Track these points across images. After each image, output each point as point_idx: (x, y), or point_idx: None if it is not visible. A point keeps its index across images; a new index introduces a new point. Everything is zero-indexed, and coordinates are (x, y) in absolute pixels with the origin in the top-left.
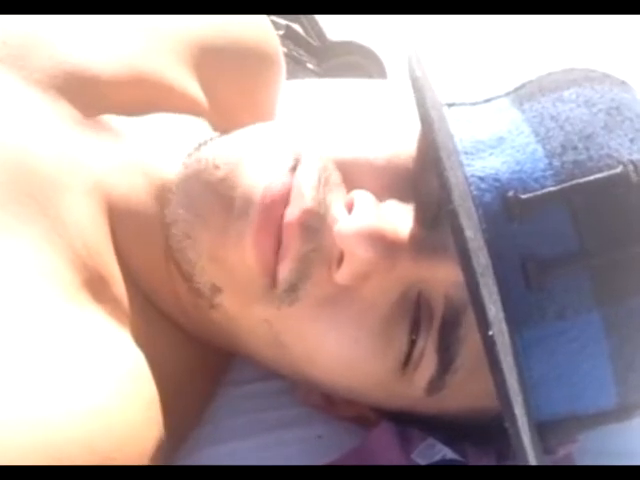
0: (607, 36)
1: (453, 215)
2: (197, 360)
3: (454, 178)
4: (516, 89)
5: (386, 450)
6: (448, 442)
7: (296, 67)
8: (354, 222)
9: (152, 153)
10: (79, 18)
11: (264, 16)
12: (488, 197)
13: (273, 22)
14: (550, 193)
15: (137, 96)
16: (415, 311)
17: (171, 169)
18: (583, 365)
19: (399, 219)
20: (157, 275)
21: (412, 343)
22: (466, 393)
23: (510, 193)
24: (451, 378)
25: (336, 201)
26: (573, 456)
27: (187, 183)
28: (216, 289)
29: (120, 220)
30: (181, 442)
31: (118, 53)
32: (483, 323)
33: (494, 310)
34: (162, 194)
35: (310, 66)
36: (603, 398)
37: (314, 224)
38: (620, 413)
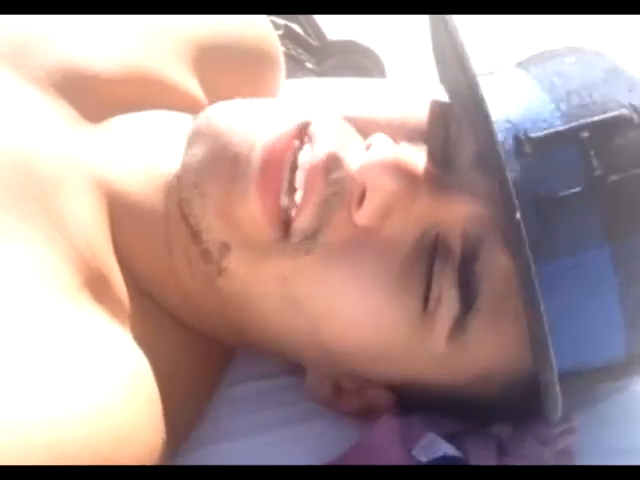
0: (607, 36)
1: (488, 130)
2: (198, 360)
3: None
4: (518, 63)
5: (386, 447)
6: (449, 438)
7: (295, 66)
8: (376, 154)
9: (153, 148)
10: (79, 17)
11: (263, 16)
12: (501, 137)
13: (272, 22)
14: (559, 132)
15: (137, 95)
16: (433, 251)
17: (172, 162)
18: (592, 304)
19: (417, 156)
20: (159, 269)
21: (430, 284)
22: (485, 345)
23: (521, 133)
24: (473, 320)
25: (354, 146)
26: (572, 449)
27: (195, 134)
28: (225, 247)
29: (122, 217)
30: (182, 442)
31: (118, 52)
32: (517, 231)
33: (525, 234)
34: (164, 187)
35: (309, 65)
36: (612, 346)
37: (335, 167)
38: (630, 366)
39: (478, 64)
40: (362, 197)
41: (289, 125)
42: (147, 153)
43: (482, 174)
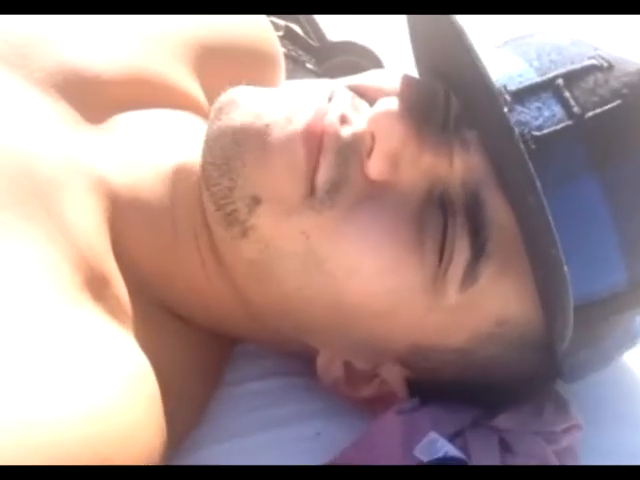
0: (607, 36)
1: (480, 71)
2: (198, 360)
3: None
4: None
5: (387, 446)
6: (451, 438)
7: (295, 67)
8: (382, 106)
9: (154, 146)
10: (80, 18)
11: (264, 17)
12: None
13: (272, 23)
14: (535, 82)
15: (138, 96)
16: (441, 204)
17: (177, 155)
18: (588, 234)
19: (419, 112)
20: (164, 266)
21: (444, 234)
22: (497, 294)
23: (499, 86)
24: (484, 266)
25: (364, 109)
26: (576, 448)
27: (227, 106)
28: (255, 201)
29: (124, 216)
30: (181, 442)
31: (119, 53)
32: (520, 156)
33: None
34: (171, 179)
35: (309, 66)
36: (613, 272)
37: (349, 122)
38: (633, 294)
39: None
40: (373, 147)
41: (322, 100)
42: (150, 150)
43: (469, 128)
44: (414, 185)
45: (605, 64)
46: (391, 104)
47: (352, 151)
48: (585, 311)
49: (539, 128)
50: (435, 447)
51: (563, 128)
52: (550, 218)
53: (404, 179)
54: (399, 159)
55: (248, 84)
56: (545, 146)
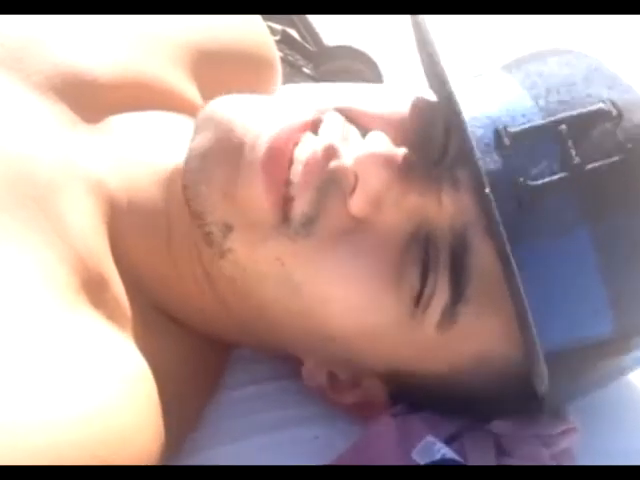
0: (607, 36)
1: (459, 121)
2: (197, 363)
3: (457, 104)
4: (503, 65)
5: (384, 449)
6: (447, 441)
7: (292, 71)
8: (368, 147)
9: (151, 148)
10: (78, 21)
11: (261, 21)
12: (480, 132)
13: (269, 27)
14: (537, 125)
15: (135, 99)
16: (425, 245)
17: (172, 158)
18: (576, 285)
19: (408, 153)
20: (160, 269)
21: (424, 277)
22: (476, 334)
23: (500, 127)
24: (463, 310)
25: (353, 140)
26: (573, 450)
27: (203, 122)
28: (228, 228)
29: (121, 218)
30: (179, 445)
31: (117, 56)
32: (491, 218)
33: (498, 215)
34: (165, 182)
35: (306, 70)
36: (599, 323)
37: (333, 157)
38: (618, 343)
39: (467, 66)
40: (356, 186)
41: (295, 119)
42: (146, 152)
43: (464, 169)
44: (397, 224)
45: (614, 112)
46: (379, 144)
47: (334, 187)
48: (568, 356)
49: (535, 177)
50: (432, 450)
51: (560, 180)
52: (516, 275)
53: (387, 218)
54: (382, 201)
55: (241, 91)
56: (539, 198)
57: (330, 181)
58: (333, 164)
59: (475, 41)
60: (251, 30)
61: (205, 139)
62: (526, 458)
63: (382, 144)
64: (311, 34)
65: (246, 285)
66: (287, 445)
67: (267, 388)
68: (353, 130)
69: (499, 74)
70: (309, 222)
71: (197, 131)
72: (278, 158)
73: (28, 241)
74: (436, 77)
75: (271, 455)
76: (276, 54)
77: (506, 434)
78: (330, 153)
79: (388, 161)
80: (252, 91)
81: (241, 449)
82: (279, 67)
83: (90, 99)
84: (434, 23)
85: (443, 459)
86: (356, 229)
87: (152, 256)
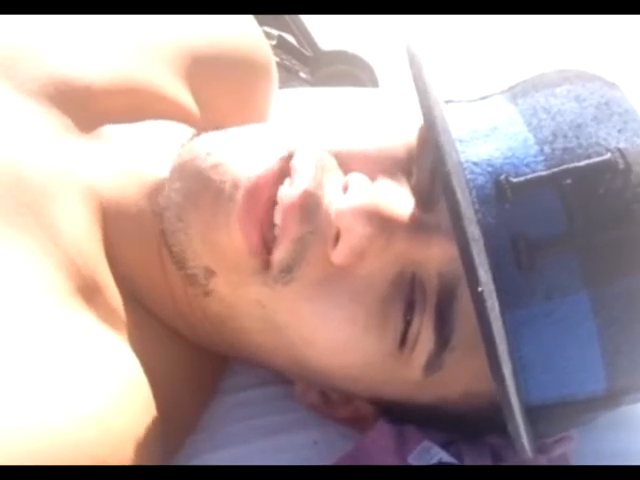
0: (606, 36)
1: (448, 183)
2: (193, 367)
3: (450, 162)
4: (510, 88)
5: (382, 454)
6: (444, 445)
7: (288, 76)
8: (350, 200)
9: (143, 157)
10: (71, 28)
11: (256, 26)
12: (481, 180)
13: (265, 32)
14: (541, 177)
15: (129, 105)
16: (410, 292)
17: (163, 170)
18: (571, 346)
19: (393, 199)
20: (152, 277)
21: (408, 323)
22: (462, 376)
23: (502, 177)
24: (448, 356)
25: (332, 184)
26: (568, 456)
27: (180, 169)
28: (209, 272)
29: (114, 225)
30: (177, 448)
31: (110, 62)
32: (474, 286)
33: (486, 278)
34: (155, 194)
35: (302, 75)
36: (592, 382)
37: (312, 205)
38: (609, 400)
39: (467, 66)
40: (337, 238)
41: (272, 161)
42: (137, 161)
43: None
44: (380, 270)
45: (622, 165)
46: (360, 195)
47: (314, 238)
48: (558, 409)
49: (536, 235)
50: (429, 454)
51: (562, 239)
52: (495, 341)
53: (371, 266)
54: (366, 252)
55: (237, 98)
56: (539, 258)
57: (310, 232)
58: (313, 214)
59: (475, 41)
60: (246, 35)
61: (181, 188)
62: (522, 463)
63: (363, 193)
64: (307, 39)
65: (232, 320)
66: (286, 450)
67: (267, 392)
68: (332, 165)
69: (503, 105)
70: (289, 270)
71: (172, 178)
72: (256, 204)
73: (22, 247)
74: (431, 127)
75: (270, 460)
76: (272, 59)
77: (501, 444)
78: (308, 201)
79: (370, 214)
80: (247, 96)
81: (240, 454)
82: (275, 72)
83: (83, 106)
84: (434, 23)
85: (440, 463)
86: (337, 275)
87: (143, 264)
